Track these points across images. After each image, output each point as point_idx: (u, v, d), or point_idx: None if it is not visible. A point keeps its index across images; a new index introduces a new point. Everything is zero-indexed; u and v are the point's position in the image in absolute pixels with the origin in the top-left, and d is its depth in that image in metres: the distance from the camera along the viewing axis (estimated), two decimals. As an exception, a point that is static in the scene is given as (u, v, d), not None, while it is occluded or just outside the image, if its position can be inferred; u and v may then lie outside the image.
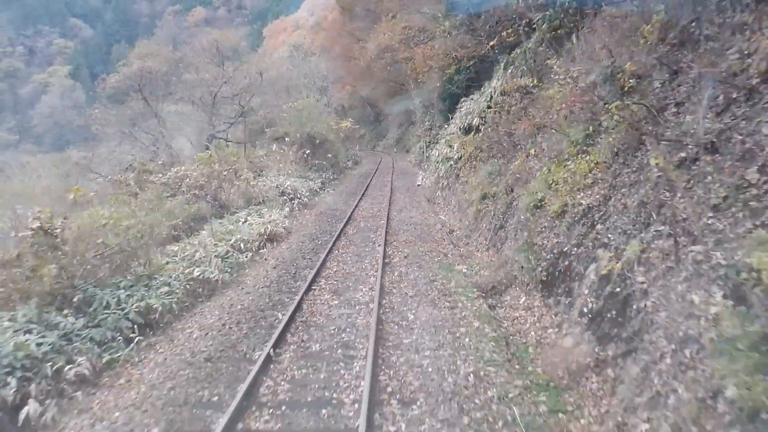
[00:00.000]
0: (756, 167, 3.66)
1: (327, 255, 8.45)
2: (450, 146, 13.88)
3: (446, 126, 16.69)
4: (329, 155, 22.11)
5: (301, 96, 28.17)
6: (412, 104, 28.66)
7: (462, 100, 15.37)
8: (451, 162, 13.28)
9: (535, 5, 10.12)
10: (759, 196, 3.51)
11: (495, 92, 11.27)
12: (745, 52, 3.98)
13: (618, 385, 3.94)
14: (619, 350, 4.17)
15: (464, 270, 7.55)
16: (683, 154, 4.51)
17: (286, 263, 8.39)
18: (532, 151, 8.25)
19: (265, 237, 10.56)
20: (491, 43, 11.71)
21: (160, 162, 21.49)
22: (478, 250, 8.62)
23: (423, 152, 22.48)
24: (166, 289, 7.05)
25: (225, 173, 13.61)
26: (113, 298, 6.31)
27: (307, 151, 20.46)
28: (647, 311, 4.04)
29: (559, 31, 8.88)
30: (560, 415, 3.96)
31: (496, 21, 12.72)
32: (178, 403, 4.09)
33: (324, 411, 3.87)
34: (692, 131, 4.44)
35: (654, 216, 4.56)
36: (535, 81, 8.60)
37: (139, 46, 29.37)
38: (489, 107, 11.43)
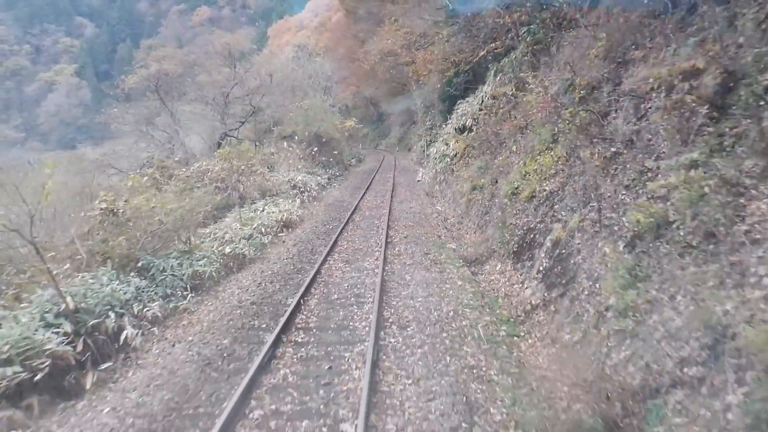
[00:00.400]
0: (653, 158, 5.21)
1: (338, 236, 10.02)
2: (447, 144, 15.44)
3: (444, 126, 18.22)
4: (335, 152, 23.68)
5: (306, 96, 29.76)
6: (414, 104, 30.20)
7: (459, 102, 16.91)
8: (447, 159, 14.84)
9: (520, 21, 11.70)
10: (652, 177, 5.06)
11: (486, 96, 12.82)
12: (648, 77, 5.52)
13: (555, 315, 5.50)
14: (558, 292, 5.73)
15: (454, 247, 9.12)
16: (613, 149, 6.06)
17: (304, 242, 9.96)
18: (513, 148, 9.80)
19: (282, 223, 12.13)
20: (481, 54, 13.23)
21: (176, 159, 23.11)
22: (467, 233, 10.17)
23: (424, 151, 24.01)
24: (204, 261, 8.62)
25: (243, 168, 15.19)
26: (167, 265, 7.88)
27: (315, 149, 22.03)
28: (579, 263, 5.60)
29: (538, 45, 10.42)
30: (515, 338, 5.51)
31: (491, 29, 14.23)
32: (237, 328, 5.67)
33: (343, 332, 5.44)
34: (620, 132, 5.99)
35: (591, 196, 6.10)
36: (514, 90, 10.14)
37: (156, 49, 30.80)
38: (480, 110, 12.99)
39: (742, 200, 3.78)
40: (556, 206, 7.00)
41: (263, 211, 12.77)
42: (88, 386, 5.04)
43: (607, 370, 4.03)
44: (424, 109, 27.17)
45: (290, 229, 12.02)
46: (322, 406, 4.01)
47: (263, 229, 11.09)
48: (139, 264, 7.68)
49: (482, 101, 12.97)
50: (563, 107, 7.52)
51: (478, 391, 4.16)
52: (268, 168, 17.46)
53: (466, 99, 16.03)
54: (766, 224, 3.46)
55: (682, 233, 4.14)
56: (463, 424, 3.67)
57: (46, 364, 4.90)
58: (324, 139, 23.30)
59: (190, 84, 25.45)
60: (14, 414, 4.59)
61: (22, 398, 4.74)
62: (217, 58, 26.17)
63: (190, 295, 7.46)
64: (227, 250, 9.38)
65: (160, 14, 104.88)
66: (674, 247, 4.17)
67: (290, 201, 14.41)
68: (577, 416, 3.67)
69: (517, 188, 8.35)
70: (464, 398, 4.02)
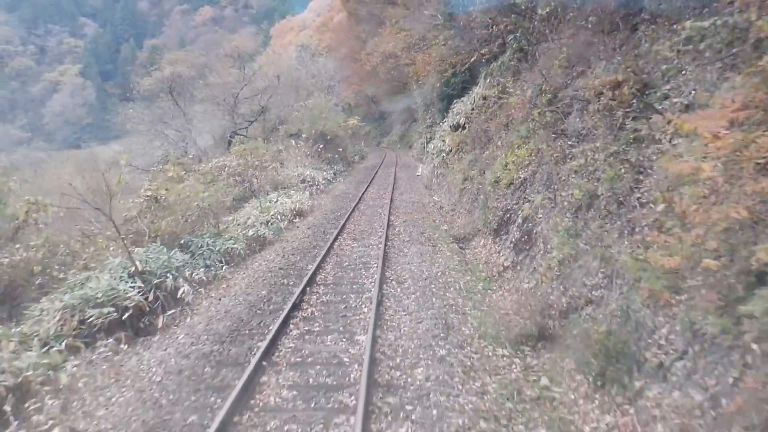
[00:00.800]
0: (592, 148, 6.77)
1: (346, 221, 11.62)
2: (443, 141, 17.03)
3: (442, 123, 19.80)
4: (339, 149, 25.29)
5: (310, 95, 31.35)
6: (414, 103, 31.78)
7: (455, 101, 18.49)
8: (443, 154, 16.43)
9: (507, 30, 13.25)
10: (591, 163, 6.62)
11: (477, 97, 14.40)
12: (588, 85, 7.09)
13: (519, 272, 7.09)
14: (523, 256, 7.33)
15: (446, 228, 10.73)
16: (570, 142, 7.65)
17: (316, 227, 11.57)
18: (498, 143, 11.37)
19: (295, 212, 13.74)
20: (473, 58, 14.81)
21: (190, 156, 24.76)
22: (459, 217, 11.76)
23: (424, 147, 25.58)
24: (232, 241, 10.24)
25: (257, 163, 16.81)
26: (203, 243, 9.50)
27: (321, 146, 23.64)
28: (538, 232, 7.20)
29: (520, 53, 11.99)
30: (488, 290, 7.11)
31: (482, 36, 15.75)
32: (270, 284, 7.29)
33: (354, 285, 7.05)
34: (574, 128, 7.58)
35: (552, 180, 7.69)
36: (497, 92, 11.72)
37: (169, 52, 32.42)
38: (472, 109, 14.56)
39: (640, 177, 5.36)
40: (527, 190, 8.59)
41: (277, 201, 14.38)
42: (159, 326, 6.66)
43: (547, 302, 5.62)
44: (424, 107, 28.74)
45: (302, 217, 13.63)
46: (341, 328, 5.63)
47: (279, 216, 12.70)
48: (182, 242, 9.32)
49: (474, 101, 14.55)
50: (535, 108, 9.11)
51: (455, 318, 5.77)
52: (279, 164, 19.06)
53: (462, 99, 17.60)
54: (651, 193, 5.04)
55: (603, 203, 5.73)
56: (441, 335, 5.27)
57: (130, 306, 6.53)
58: (329, 137, 24.89)
59: (201, 86, 27.04)
60: (109, 343, 6.21)
61: (113, 333, 6.36)
62: (227, 60, 27.76)
63: (225, 266, 9.08)
64: (250, 233, 11.00)
65: (163, 14, 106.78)
66: (598, 213, 5.76)
67: (301, 193, 16.04)
68: (522, 329, 5.27)
69: (498, 177, 9.92)
70: (444, 322, 5.62)
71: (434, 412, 3.89)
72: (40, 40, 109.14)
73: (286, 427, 3.81)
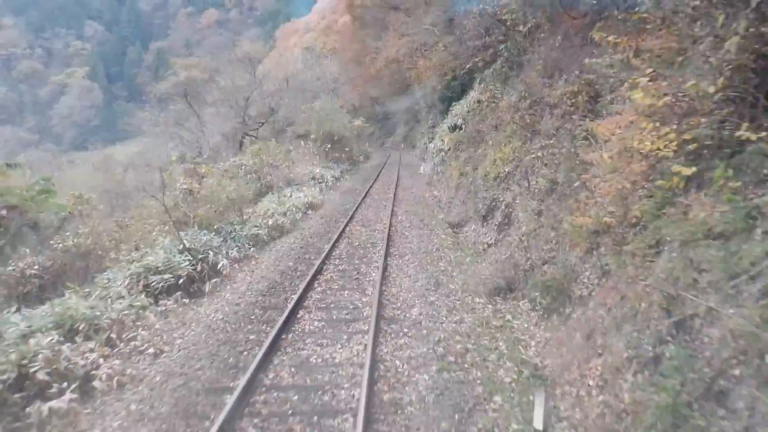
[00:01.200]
0: (560, 146, 8.41)
1: (354, 212, 13.29)
2: (442, 141, 18.67)
3: (441, 124, 21.44)
4: (346, 149, 26.99)
5: (316, 97, 33.08)
6: (417, 105, 33.48)
7: (453, 104, 20.12)
8: (442, 153, 18.08)
9: (498, 40, 14.90)
10: (552, 159, 8.24)
11: (472, 100, 16.06)
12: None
13: (500, 247, 8.73)
14: (503, 235, 8.97)
15: (442, 216, 12.39)
16: (541, 141, 9.28)
17: (328, 217, 13.25)
18: (489, 143, 13.00)
19: (308, 205, 15.42)
20: (468, 65, 16.46)
21: (205, 156, 26.45)
22: (454, 208, 13.39)
23: (426, 147, 27.23)
24: (256, 228, 11.91)
25: (271, 162, 18.53)
26: (232, 229, 11.18)
27: (328, 146, 25.34)
28: (515, 215, 8.83)
29: (509, 62, 13.64)
30: (474, 263, 8.76)
31: (479, 41, 17.38)
32: (294, 258, 8.98)
33: (363, 258, 8.72)
34: (547, 129, 9.22)
35: (527, 172, 9.32)
36: (489, 97, 13.37)
37: (182, 59, 34.16)
38: (468, 112, 16.22)
39: (587, 167, 6.98)
40: (510, 182, 10.22)
41: (291, 196, 16.06)
42: (206, 290, 8.34)
43: (515, 264, 7.26)
44: (426, 108, 30.40)
45: (315, 210, 15.30)
46: (355, 286, 7.29)
47: (294, 209, 14.37)
48: (215, 227, 11.01)
49: (470, 104, 16.21)
50: (517, 112, 10.75)
51: (444, 279, 7.42)
52: (291, 163, 20.75)
53: (460, 102, 19.23)
54: (589, 180, 6.64)
55: (560, 188, 7.36)
56: (432, 289, 6.93)
57: (183, 274, 8.21)
58: (335, 138, 26.60)
59: (213, 89, 28.82)
60: (169, 302, 7.88)
61: (171, 294, 8.03)
62: (238, 65, 29.50)
63: (252, 248, 10.76)
64: (270, 221, 12.67)
65: (168, 17, 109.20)
66: (557, 195, 7.40)
67: (312, 189, 17.72)
68: (495, 285, 6.91)
69: (488, 172, 11.56)
70: (435, 281, 7.27)
71: (424, 332, 5.55)
72: (47, 44, 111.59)
73: (319, 341, 5.48)
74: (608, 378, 3.98)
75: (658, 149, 4.39)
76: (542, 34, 10.16)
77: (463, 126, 16.55)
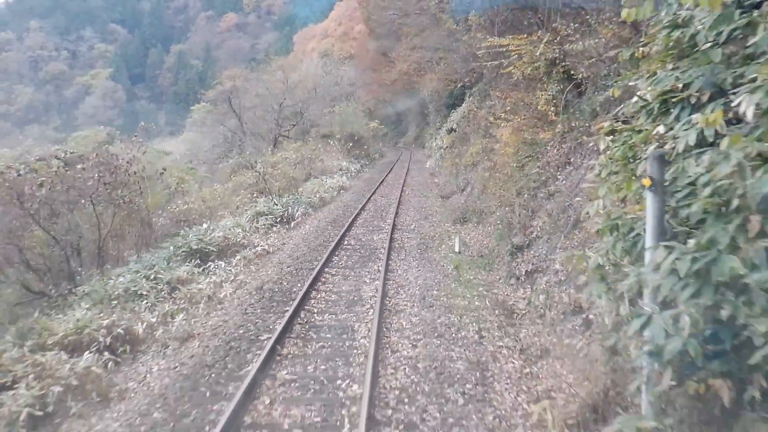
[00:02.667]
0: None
1: (374, 192, 19.56)
2: (442, 140, 24.88)
3: (442, 127, 27.67)
4: (364, 147, 33.32)
5: (335, 101, 39.49)
6: (426, 109, 39.73)
7: (451, 111, 26.33)
8: (442, 150, 24.29)
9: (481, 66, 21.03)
10: (499, 151, 14.44)
11: (464, 109, 22.25)
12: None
13: (466, 202, 14.91)
14: (466, 195, 15.15)
15: (437, 192, 18.63)
16: (486, 138, 15.48)
17: (356, 194, 19.56)
18: (471, 142, 19.17)
19: (339, 187, 21.69)
20: (460, 84, 22.63)
21: (247, 152, 32.77)
22: (446, 187, 19.57)
23: (432, 146, 33.44)
24: (308, 199, 18.22)
25: (309, 156, 24.90)
26: (294, 199, 17.50)
27: (350, 144, 31.68)
28: (474, 183, 15.00)
29: (489, 83, 19.78)
30: (450, 212, 14.96)
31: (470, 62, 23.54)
32: (340, 214, 15.32)
33: (383, 212, 15.00)
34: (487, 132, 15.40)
35: (484, 159, 15.48)
36: (474, 108, 19.53)
37: (228, 70, 40.54)
38: (461, 118, 22.40)
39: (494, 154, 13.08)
40: (477, 167, 16.39)
41: (326, 181, 22.36)
42: (292, 225, 14.62)
43: (470, 207, 13.43)
44: (435, 112, 36.65)
45: (345, 190, 21.57)
46: (379, 221, 13.55)
47: (331, 189, 20.66)
48: (283, 199, 17.35)
49: (461, 113, 22.41)
50: (487, 120, 16.92)
51: (430, 214, 13.65)
52: (322, 158, 27.08)
53: (456, 109, 25.43)
54: (494, 160, 12.75)
55: (483, 166, 13.51)
56: (422, 220, 13.17)
57: (279, 215, 14.53)
58: (356, 137, 32.94)
59: (253, 96, 35.31)
60: (275, 228, 14.18)
61: (275, 225, 14.32)
62: (274, 75, 36.00)
63: (310, 209, 17.05)
64: (317, 196, 18.99)
65: (189, 20, 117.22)
66: (486, 172, 13.54)
67: (340, 177, 24.01)
68: (456, 218, 13.11)
69: (467, 161, 17.74)
70: (425, 216, 13.51)
71: (415, 232, 11.81)
72: (72, 46, 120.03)
73: (362, 237, 11.71)
74: (484, 237, 10.16)
75: (518, 143, 10.56)
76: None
77: (456, 129, 22.75)
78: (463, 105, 23.08)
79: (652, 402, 2.87)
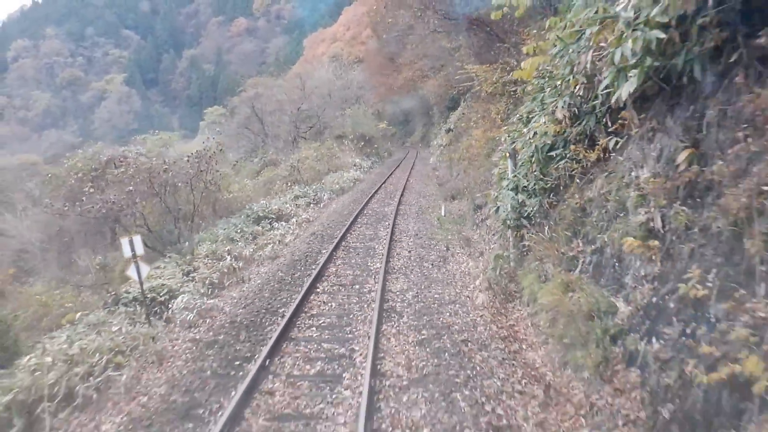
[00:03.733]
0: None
1: (384, 182, 24.38)
2: (442, 139, 29.64)
3: (443, 128, 32.45)
4: (375, 146, 38.17)
5: (346, 104, 44.36)
6: (431, 111, 44.53)
7: (451, 113, 31.10)
8: (442, 147, 29.04)
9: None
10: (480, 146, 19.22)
11: (459, 112, 26.99)
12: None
13: (455, 183, 19.68)
14: (456, 179, 19.92)
15: (435, 180, 23.43)
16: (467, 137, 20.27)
17: (369, 184, 24.40)
18: (463, 140, 23.92)
19: (355, 179, 26.53)
20: (457, 91, 27.37)
21: (270, 152, 37.74)
22: (444, 177, 24.34)
23: (435, 144, 38.18)
24: (330, 188, 23.10)
25: (327, 154, 29.79)
26: (319, 187, 22.39)
27: (362, 144, 36.52)
28: (461, 169, 19.78)
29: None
30: (443, 193, 19.77)
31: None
32: (358, 197, 20.17)
33: (391, 195, 19.83)
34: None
35: (469, 152, 20.27)
36: (467, 111, 24.29)
37: (252, 78, 45.53)
38: (457, 120, 27.14)
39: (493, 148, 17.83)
40: (464, 158, 21.14)
41: (344, 174, 27.22)
42: (322, 205, 19.46)
43: (457, 187, 18.17)
44: (438, 114, 41.44)
45: (359, 182, 26.40)
46: (390, 200, 18.36)
47: (348, 180, 25.52)
48: (312, 187, 22.24)
49: (457, 115, 27.17)
50: (468, 123, 21.67)
51: (428, 194, 18.45)
52: (338, 156, 31.94)
53: (454, 112, 30.19)
54: (470, 152, 17.49)
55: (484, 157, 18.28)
56: (422, 198, 17.96)
57: (312, 197, 19.42)
58: (367, 138, 37.79)
59: (274, 102, 40.26)
60: (310, 206, 19.07)
61: (309, 205, 19.21)
62: (293, 82, 40.97)
63: (333, 195, 21.91)
64: (336, 186, 23.86)
65: (200, 25, 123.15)
66: (470, 161, 18.29)
67: (355, 171, 28.86)
68: (447, 195, 17.88)
69: (460, 155, 22.46)
70: (424, 195, 18.31)
71: (415, 206, 16.58)
72: (87, 52, 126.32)
73: (377, 210, 16.53)
74: (463, 207, 14.93)
75: (485, 140, 15.29)
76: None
77: (453, 129, 27.52)
78: (458, 109, 27.84)
79: (499, 240, 7.73)
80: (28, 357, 6.19)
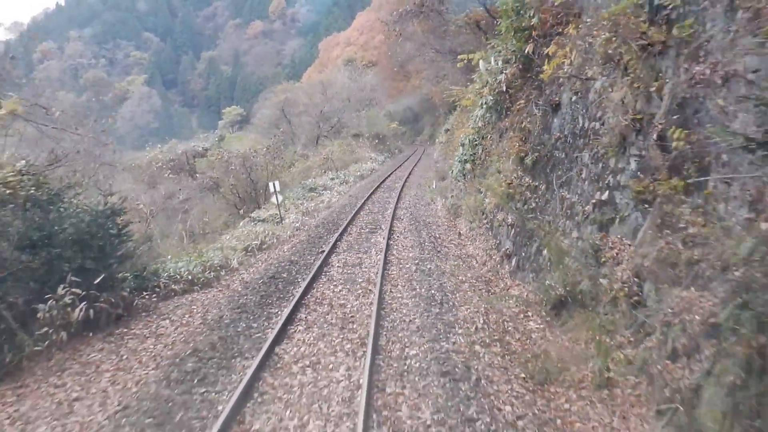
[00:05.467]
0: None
1: (394, 171, 32.66)
2: (442, 136, 37.82)
3: (444, 127, 40.66)
4: (387, 144, 46.49)
5: (361, 105, 52.71)
6: (437, 112, 52.76)
7: (450, 116, 39.27)
8: (441, 144, 37.23)
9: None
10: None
11: (456, 114, 35.21)
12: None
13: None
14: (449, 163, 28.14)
15: (435, 170, 31.73)
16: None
17: (383, 172, 32.72)
18: (456, 136, 32.09)
19: (372, 169, 34.80)
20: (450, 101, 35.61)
21: (297, 149, 46.12)
22: (444, 166, 32.54)
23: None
24: (353, 174, 31.44)
25: (348, 150, 38.14)
26: (344, 174, 30.72)
27: (376, 141, 44.81)
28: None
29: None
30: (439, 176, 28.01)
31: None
32: (375, 181, 28.48)
33: (399, 179, 28.10)
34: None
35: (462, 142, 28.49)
36: (459, 114, 32.50)
37: (280, 85, 54.11)
38: (454, 120, 35.33)
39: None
40: (459, 149, 29.33)
41: (362, 165, 35.50)
42: (348, 186, 27.78)
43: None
44: (443, 115, 49.66)
45: (374, 171, 34.66)
46: (397, 183, 26.62)
47: (366, 170, 33.79)
48: (341, 172, 30.60)
49: (455, 117, 35.41)
50: (458, 125, 29.86)
51: (428, 177, 26.67)
52: (356, 151, 40.25)
53: (453, 115, 38.32)
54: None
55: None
56: (422, 180, 26.19)
57: (342, 180, 27.76)
58: (380, 136, 46.06)
59: (301, 105, 48.71)
60: (340, 186, 27.42)
61: (340, 185, 27.54)
62: (316, 87, 49.43)
63: (357, 179, 30.20)
64: (358, 172, 32.19)
65: (218, 28, 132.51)
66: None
67: (371, 164, 37.15)
68: (439, 176, 26.10)
69: (453, 149, 30.62)
70: (424, 177, 26.52)
71: (415, 185, 24.81)
72: (109, 54, 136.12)
73: (391, 186, 24.78)
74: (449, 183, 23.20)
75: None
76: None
77: (450, 129, 35.74)
78: (457, 110, 36.08)
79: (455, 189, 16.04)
80: (218, 241, 14.52)
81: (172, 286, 9.44)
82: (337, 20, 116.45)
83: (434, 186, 23.22)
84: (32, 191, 7.90)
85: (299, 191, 22.42)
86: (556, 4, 8.82)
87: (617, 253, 6.02)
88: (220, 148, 27.75)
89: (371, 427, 4.77)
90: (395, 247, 12.28)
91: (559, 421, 4.84)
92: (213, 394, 5.61)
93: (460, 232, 13.90)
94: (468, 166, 15.44)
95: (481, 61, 13.84)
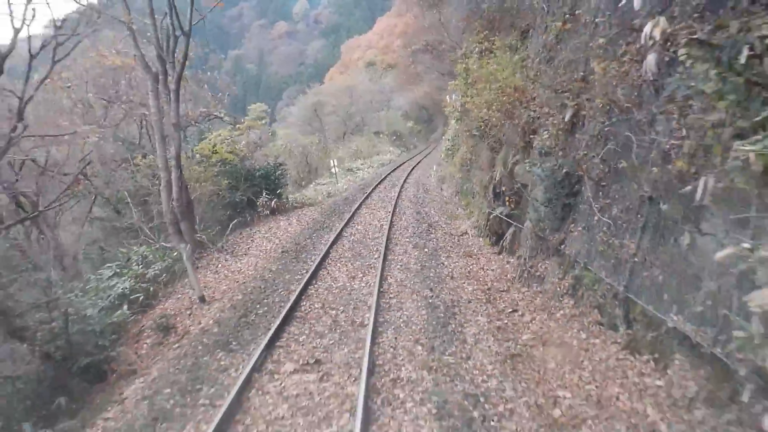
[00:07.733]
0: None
1: (406, 161, 43.63)
2: (448, 134, 48.61)
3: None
4: (403, 140, 57.43)
5: (382, 106, 63.72)
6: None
7: (455, 118, 50.12)
8: (448, 141, 48.03)
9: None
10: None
11: (457, 118, 46.07)
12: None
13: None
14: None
15: (439, 161, 42.66)
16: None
17: (398, 162, 43.74)
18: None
19: (391, 160, 45.71)
20: (455, 105, 46.41)
21: (330, 142, 57.28)
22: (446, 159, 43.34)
23: (447, 139, 57.02)
24: (377, 162, 42.42)
25: (370, 144, 49.14)
26: (374, 160, 41.72)
27: (394, 138, 55.70)
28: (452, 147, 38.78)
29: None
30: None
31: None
32: (394, 165, 39.47)
33: (410, 165, 39.05)
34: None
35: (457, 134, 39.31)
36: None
37: (314, 88, 65.32)
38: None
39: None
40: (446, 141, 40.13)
41: (383, 157, 46.41)
42: (372, 169, 38.75)
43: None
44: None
45: (392, 161, 45.55)
46: (407, 167, 37.54)
47: (386, 160, 44.70)
48: (367, 161, 41.62)
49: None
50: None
51: (432, 162, 37.59)
52: (378, 145, 51.20)
53: (457, 117, 49.16)
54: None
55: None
56: (425, 168, 37.07)
57: (368, 166, 38.78)
58: (398, 133, 56.92)
59: (331, 106, 59.71)
60: (367, 169, 38.44)
61: (367, 169, 38.53)
62: (344, 92, 60.44)
63: (377, 166, 41.14)
64: (380, 161, 43.21)
65: (244, 28, 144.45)
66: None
67: (390, 155, 48.06)
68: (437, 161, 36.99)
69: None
70: (427, 163, 37.38)
71: (418, 173, 35.70)
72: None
73: (399, 172, 35.71)
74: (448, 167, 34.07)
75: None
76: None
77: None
78: (458, 115, 46.99)
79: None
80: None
81: (295, 204, 20.63)
82: (358, 22, 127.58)
83: (435, 169, 34.02)
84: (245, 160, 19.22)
85: (341, 170, 33.40)
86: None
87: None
88: (275, 140, 39.03)
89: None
90: (404, 192, 23.55)
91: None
92: (325, 235, 16.67)
93: (441, 187, 24.77)
94: (450, 152, 26.21)
95: (450, 92, 24.60)
